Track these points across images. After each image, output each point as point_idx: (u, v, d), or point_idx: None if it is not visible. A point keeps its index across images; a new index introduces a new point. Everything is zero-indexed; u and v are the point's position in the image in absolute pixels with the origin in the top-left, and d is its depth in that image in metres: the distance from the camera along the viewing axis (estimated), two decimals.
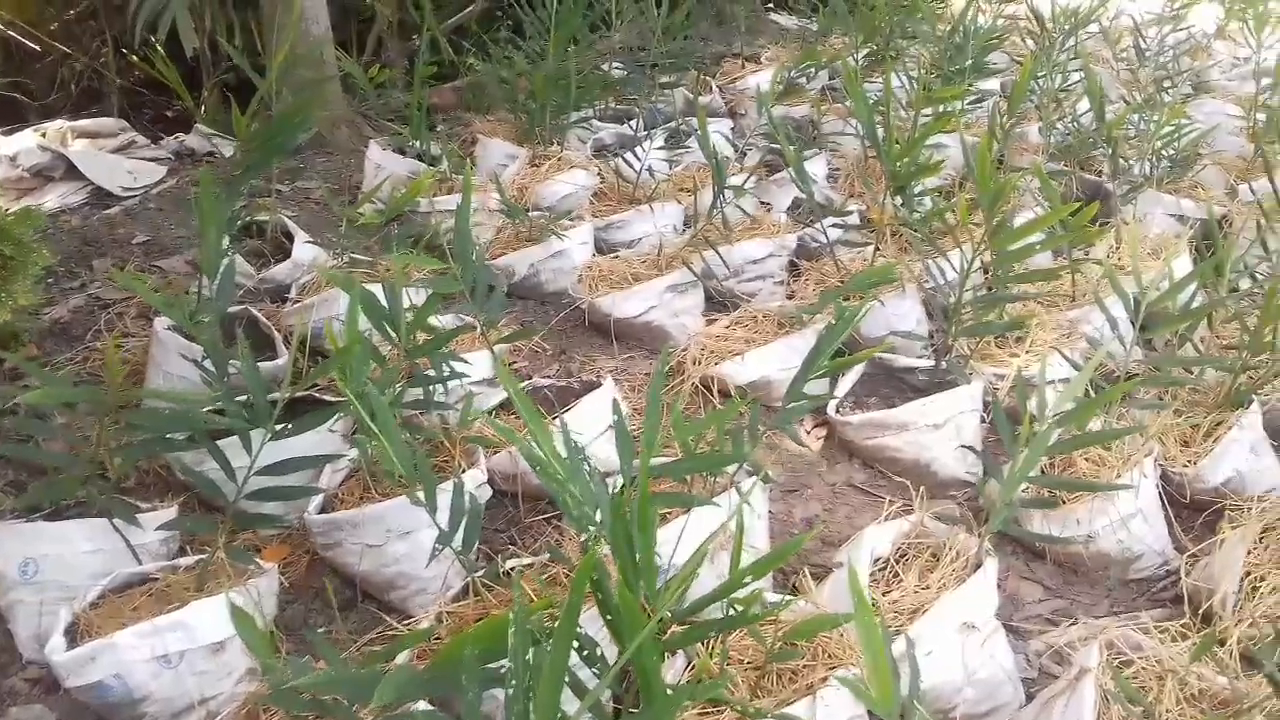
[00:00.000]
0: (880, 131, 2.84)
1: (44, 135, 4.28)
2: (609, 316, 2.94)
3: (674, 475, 1.95)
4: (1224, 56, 5.74)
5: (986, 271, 2.82)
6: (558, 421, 2.28)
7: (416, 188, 2.67)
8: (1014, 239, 2.29)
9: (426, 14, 4.49)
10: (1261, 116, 4.17)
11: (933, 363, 2.51)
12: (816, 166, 3.91)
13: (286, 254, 3.17)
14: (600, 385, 2.45)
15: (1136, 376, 2.33)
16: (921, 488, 2.21)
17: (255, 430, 1.92)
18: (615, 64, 4.72)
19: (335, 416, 1.99)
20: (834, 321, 2.01)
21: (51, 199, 3.99)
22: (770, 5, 6.95)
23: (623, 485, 1.76)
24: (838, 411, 2.48)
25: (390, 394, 2.12)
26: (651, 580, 1.28)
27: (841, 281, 2.92)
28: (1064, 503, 2.09)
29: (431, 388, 2.25)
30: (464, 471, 2.13)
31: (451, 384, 2.46)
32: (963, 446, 2.30)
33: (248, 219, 3.34)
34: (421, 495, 1.74)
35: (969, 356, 2.52)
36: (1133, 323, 2.27)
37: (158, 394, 2.20)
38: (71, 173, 4.07)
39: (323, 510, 2.09)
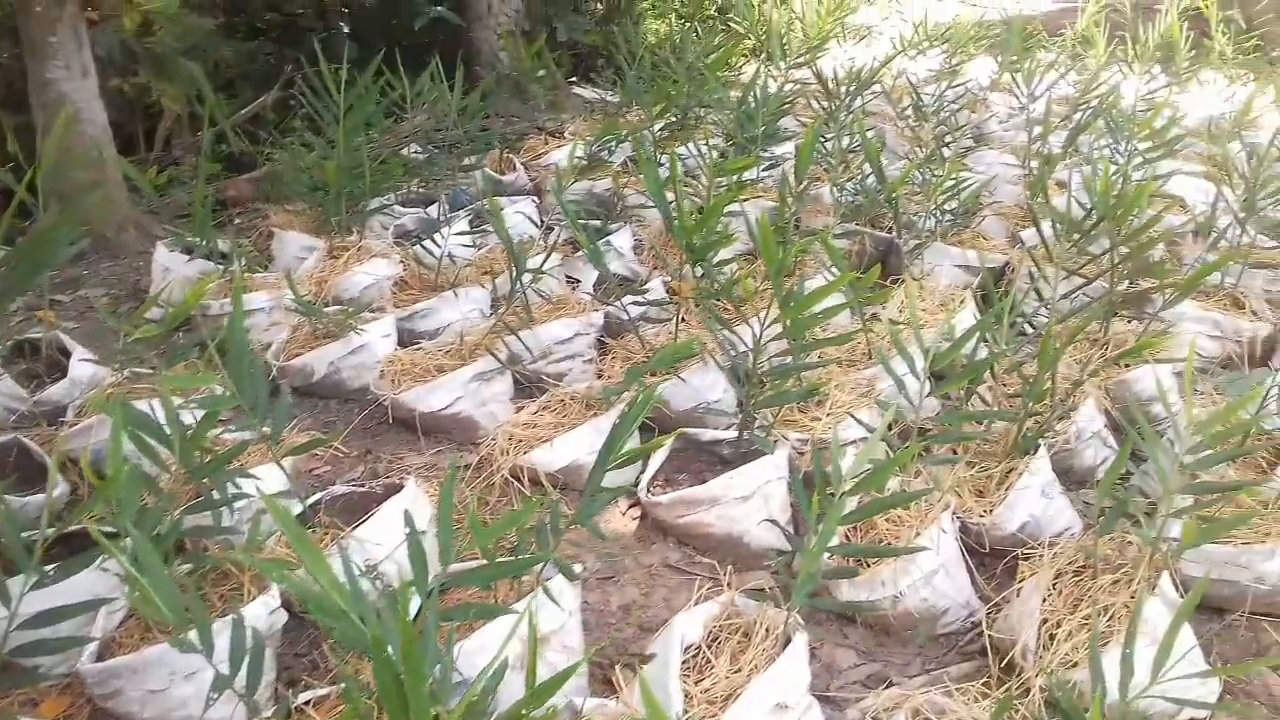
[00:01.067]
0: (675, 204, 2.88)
1: None
2: (414, 411, 2.86)
3: (475, 583, 1.88)
4: (1001, 108, 6.09)
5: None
6: (356, 533, 2.19)
7: (194, 295, 2.54)
8: (802, 307, 2.32)
9: (209, 105, 4.33)
10: (1036, 164, 4.42)
11: (737, 434, 2.52)
12: (622, 239, 3.94)
13: (64, 372, 2.97)
14: (403, 488, 2.36)
15: (930, 433, 2.39)
16: (730, 567, 2.19)
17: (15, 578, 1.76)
18: (415, 148, 4.67)
19: (100, 557, 1.83)
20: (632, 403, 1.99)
21: None
22: (574, 80, 7.04)
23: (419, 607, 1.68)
24: (649, 491, 2.45)
25: (167, 524, 1.98)
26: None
27: (646, 358, 2.92)
28: (868, 566, 2.11)
29: (219, 510, 2.11)
30: (253, 598, 2.01)
31: (248, 500, 2.34)
32: (766, 520, 2.30)
33: (19, 337, 3.12)
34: (194, 637, 1.61)
35: (772, 424, 2.54)
36: (918, 379, 2.32)
37: None
38: None
39: (100, 656, 1.92)
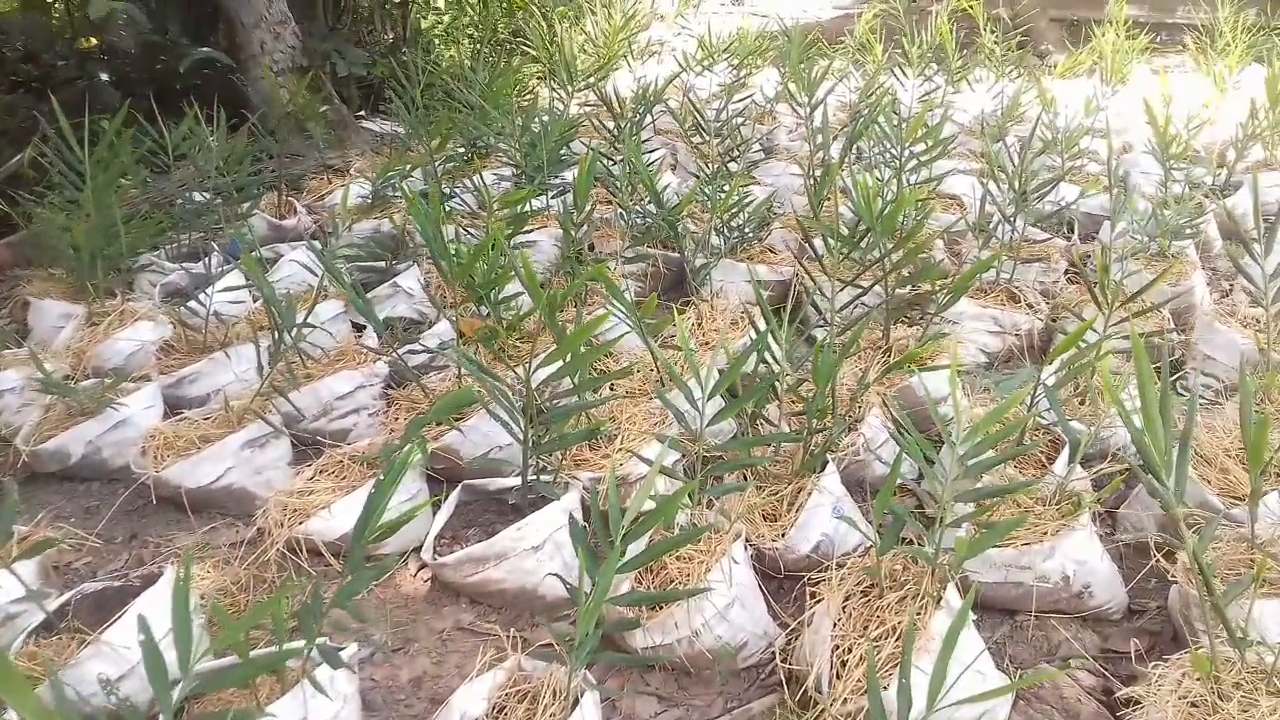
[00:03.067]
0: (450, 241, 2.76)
1: None
2: (180, 488, 2.64)
3: (230, 685, 1.71)
4: (788, 119, 6.19)
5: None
6: (105, 637, 1.98)
7: None
8: (574, 342, 2.23)
9: None
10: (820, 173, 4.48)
11: (521, 481, 2.41)
12: (411, 280, 3.79)
13: None
14: (159, 577, 2.15)
15: (717, 460, 2.33)
16: (514, 628, 2.08)
17: None
18: (181, 199, 4.37)
19: None
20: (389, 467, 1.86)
21: None
22: (363, 114, 6.82)
23: None
24: (435, 552, 2.32)
25: None
26: None
27: (429, 408, 2.78)
28: (660, 609, 2.03)
29: None
30: None
31: None
32: (552, 575, 2.20)
33: None
34: None
35: (559, 468, 2.44)
36: (697, 408, 2.26)
37: None
38: None
39: None
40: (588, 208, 3.43)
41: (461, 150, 4.98)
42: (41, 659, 2.01)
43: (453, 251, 2.83)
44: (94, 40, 6.03)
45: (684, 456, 2.45)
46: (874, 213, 2.72)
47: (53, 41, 6.06)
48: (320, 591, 1.81)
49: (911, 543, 2.03)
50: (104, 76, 5.59)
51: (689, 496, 2.19)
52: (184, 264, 4.00)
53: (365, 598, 2.35)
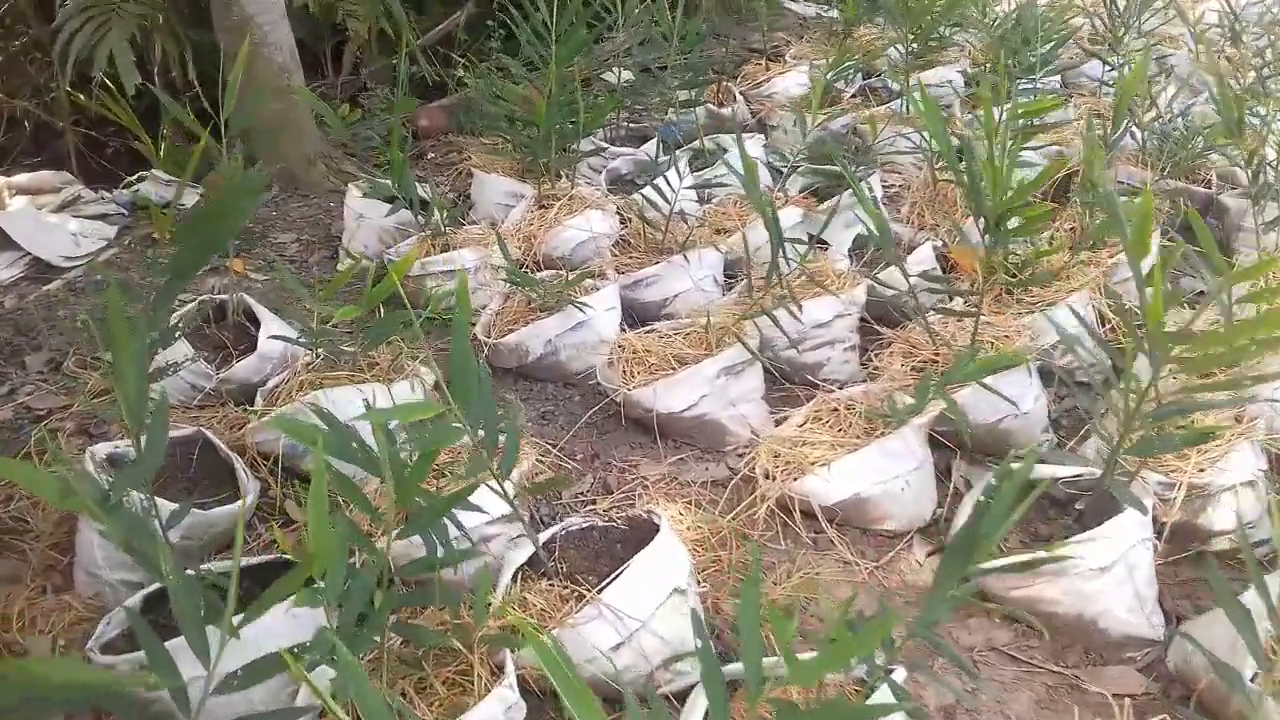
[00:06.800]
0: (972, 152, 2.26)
1: None
2: (650, 412, 2.37)
3: None
4: None
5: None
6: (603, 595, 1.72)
7: (400, 269, 2.06)
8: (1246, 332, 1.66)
9: (399, 26, 3.88)
10: None
11: (1083, 473, 1.92)
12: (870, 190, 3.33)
13: (252, 343, 2.59)
14: (653, 526, 1.87)
15: None
16: (1062, 666, 1.63)
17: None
18: (623, 73, 4.10)
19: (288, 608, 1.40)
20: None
21: None
22: None
23: None
24: None
25: (379, 598, 1.55)
26: None
27: (935, 356, 2.34)
28: None
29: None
30: (483, 682, 1.57)
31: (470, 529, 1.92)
32: (1128, 616, 1.72)
33: (203, 297, 2.75)
34: None
35: (1134, 472, 1.93)
36: None
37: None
38: (5, 241, 3.49)
39: None
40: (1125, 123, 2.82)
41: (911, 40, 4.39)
42: (533, 609, 1.78)
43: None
44: None
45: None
46: None
47: None
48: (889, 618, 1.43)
49: None
50: None
51: None
52: (624, 149, 3.74)
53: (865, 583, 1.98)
